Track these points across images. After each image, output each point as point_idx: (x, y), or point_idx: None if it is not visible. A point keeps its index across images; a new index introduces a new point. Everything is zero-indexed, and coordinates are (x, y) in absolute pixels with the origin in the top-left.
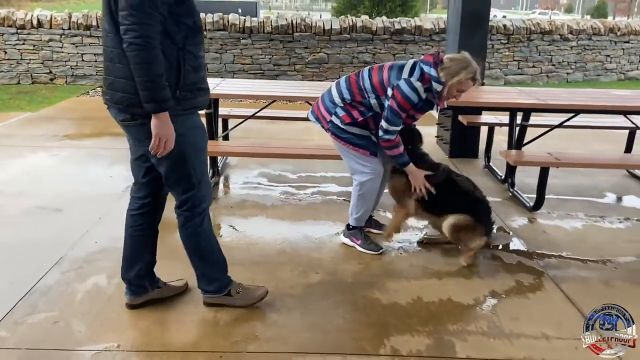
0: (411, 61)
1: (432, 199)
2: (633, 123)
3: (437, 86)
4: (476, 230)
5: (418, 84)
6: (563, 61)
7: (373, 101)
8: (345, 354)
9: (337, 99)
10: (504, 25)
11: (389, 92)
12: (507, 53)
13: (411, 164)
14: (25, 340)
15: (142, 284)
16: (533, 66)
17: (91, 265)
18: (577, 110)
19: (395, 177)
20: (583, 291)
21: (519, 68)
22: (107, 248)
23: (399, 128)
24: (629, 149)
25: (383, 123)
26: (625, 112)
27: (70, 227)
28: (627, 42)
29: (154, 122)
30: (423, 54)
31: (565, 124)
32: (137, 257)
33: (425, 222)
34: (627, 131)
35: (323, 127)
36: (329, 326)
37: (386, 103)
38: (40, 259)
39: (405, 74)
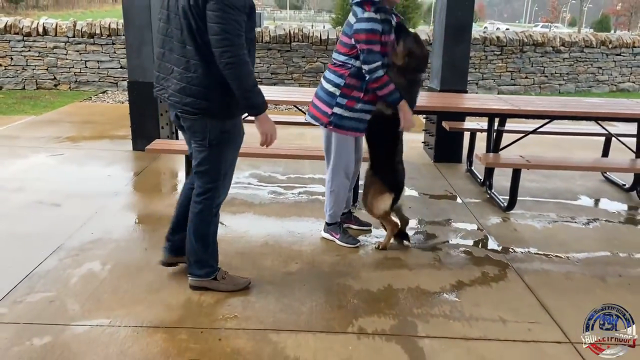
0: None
1: (378, 135)
2: (605, 130)
3: None
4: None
5: (367, 14)
6: (555, 72)
7: (357, 64)
8: (316, 331)
9: (332, 89)
10: (497, 37)
11: (352, 41)
12: (500, 64)
13: (403, 101)
14: (23, 316)
15: (181, 246)
16: (526, 77)
17: (86, 253)
18: (550, 116)
19: None
20: (543, 282)
21: (512, 79)
22: (102, 238)
23: (379, 62)
24: (605, 154)
25: (365, 67)
26: (595, 118)
27: (68, 220)
28: (619, 54)
29: (257, 123)
30: None
31: (544, 130)
32: (184, 225)
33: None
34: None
35: (323, 123)
36: (303, 308)
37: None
38: (39, 247)
39: (352, 20)
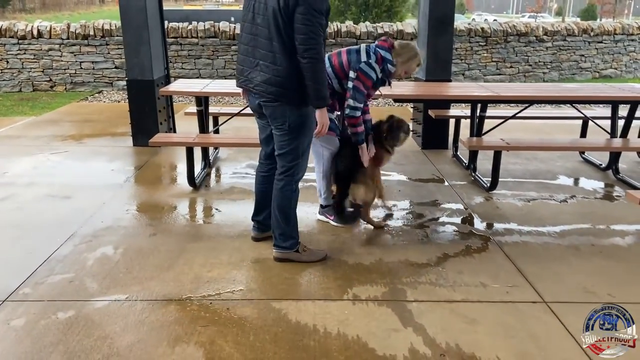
0: (364, 45)
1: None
2: (582, 113)
3: (390, 68)
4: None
5: (375, 66)
6: (539, 61)
7: (336, 85)
8: (314, 299)
9: None
10: (482, 28)
11: (352, 74)
12: (485, 54)
13: (364, 145)
14: (46, 294)
15: (267, 223)
16: (510, 67)
17: (99, 239)
18: (528, 101)
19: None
20: (521, 252)
21: (497, 69)
22: (112, 226)
23: (362, 105)
24: (582, 136)
25: (350, 101)
26: (570, 101)
27: (79, 210)
28: (600, 42)
29: (318, 113)
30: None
31: (524, 114)
32: (263, 205)
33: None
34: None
35: None
36: (302, 280)
37: (350, 84)
38: (54, 235)
39: (364, 57)
